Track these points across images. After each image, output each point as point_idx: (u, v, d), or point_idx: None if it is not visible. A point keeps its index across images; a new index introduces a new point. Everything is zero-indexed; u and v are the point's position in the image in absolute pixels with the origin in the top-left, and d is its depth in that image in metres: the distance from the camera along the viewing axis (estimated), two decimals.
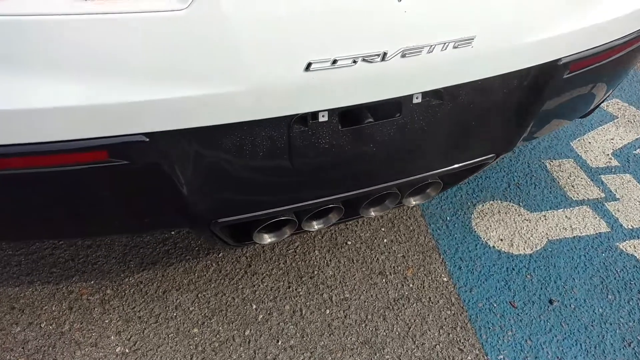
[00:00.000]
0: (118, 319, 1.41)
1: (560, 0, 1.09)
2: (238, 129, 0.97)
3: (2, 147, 0.85)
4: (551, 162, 2.03)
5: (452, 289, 1.55)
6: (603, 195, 1.89)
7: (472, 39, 1.01)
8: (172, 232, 1.67)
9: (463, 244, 1.69)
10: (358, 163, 1.14)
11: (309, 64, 0.91)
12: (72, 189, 0.95)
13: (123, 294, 1.49)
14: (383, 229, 1.72)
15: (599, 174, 1.98)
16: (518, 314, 1.50)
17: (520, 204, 1.85)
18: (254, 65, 0.88)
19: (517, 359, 1.38)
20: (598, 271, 1.62)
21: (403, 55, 0.96)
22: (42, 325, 1.39)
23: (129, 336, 1.38)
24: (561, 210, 1.83)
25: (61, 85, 0.83)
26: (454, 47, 1.00)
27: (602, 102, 1.58)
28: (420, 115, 1.14)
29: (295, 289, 1.53)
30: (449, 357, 1.37)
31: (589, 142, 2.13)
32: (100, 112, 0.86)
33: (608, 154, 2.07)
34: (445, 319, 1.47)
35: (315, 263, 1.60)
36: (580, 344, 1.42)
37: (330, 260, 1.61)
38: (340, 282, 1.55)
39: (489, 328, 1.45)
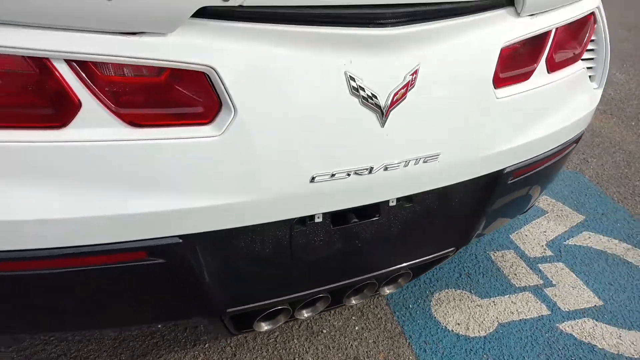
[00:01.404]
0: None
1: (504, 125, 1.37)
2: (252, 230, 1.16)
3: (64, 248, 0.99)
4: (495, 253, 2.28)
5: None
6: (542, 282, 2.15)
7: (438, 155, 1.26)
8: (159, 326, 1.78)
9: (425, 329, 1.88)
10: (345, 257, 1.34)
11: (313, 177, 1.12)
12: (112, 284, 1.09)
13: None
14: (354, 317, 1.89)
15: (537, 263, 2.25)
16: None
17: (472, 291, 2.07)
18: (272, 180, 1.08)
19: None
20: (543, 349, 1.84)
21: (385, 169, 1.20)
22: None
23: None
24: (507, 296, 2.06)
25: (115, 198, 1.00)
26: (424, 162, 1.25)
27: (537, 199, 1.86)
28: (395, 216, 1.36)
29: None
30: None
31: (526, 235, 2.42)
32: (144, 219, 1.03)
33: (542, 245, 2.36)
34: None
35: (295, 350, 1.74)
36: None
37: (309, 348, 1.76)
38: None
39: None
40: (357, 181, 1.18)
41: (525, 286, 2.12)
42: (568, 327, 1.94)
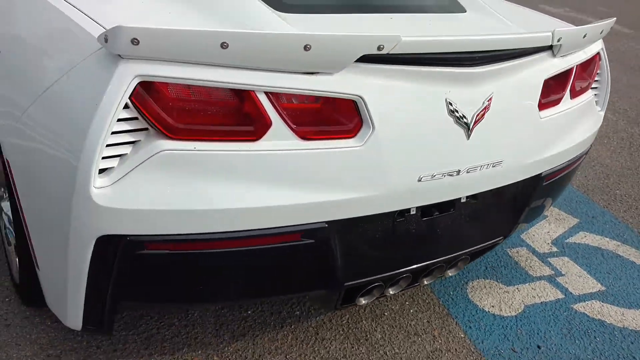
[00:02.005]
0: None
1: (544, 139, 1.78)
2: (369, 219, 1.52)
3: (248, 231, 1.34)
4: (511, 250, 2.69)
5: (469, 342, 2.10)
6: (553, 272, 2.56)
7: (502, 161, 1.66)
8: (249, 312, 2.11)
9: (467, 310, 2.25)
10: (427, 243, 1.71)
11: (420, 178, 1.50)
12: (272, 260, 1.43)
13: (229, 358, 1.89)
14: (407, 302, 2.26)
15: (546, 257, 2.66)
16: (519, 356, 2.06)
17: (498, 280, 2.46)
18: (393, 180, 1.45)
19: None
20: (564, 325, 2.23)
21: (467, 172, 1.58)
22: None
23: None
24: (527, 284, 2.46)
25: (289, 192, 1.35)
26: (493, 167, 1.64)
27: (554, 203, 2.28)
28: (463, 210, 1.74)
29: (358, 348, 2.00)
30: None
31: (533, 235, 2.84)
32: (305, 208, 1.38)
33: (548, 243, 2.78)
34: None
35: (365, 329, 2.09)
36: None
37: (376, 327, 2.11)
38: (388, 342, 2.05)
39: None
40: (446, 181, 1.56)
41: (541, 276, 2.52)
42: (580, 307, 2.35)
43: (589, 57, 1.92)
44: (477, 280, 2.44)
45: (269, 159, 1.32)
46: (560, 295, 2.40)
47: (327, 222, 1.42)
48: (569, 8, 9.17)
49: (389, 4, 1.76)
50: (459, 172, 1.56)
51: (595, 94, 2.13)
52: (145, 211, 1.25)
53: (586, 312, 2.32)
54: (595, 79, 2.11)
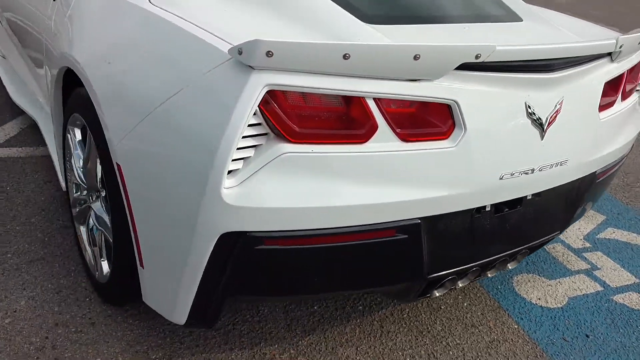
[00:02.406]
0: None
1: (601, 139, 1.91)
2: (455, 214, 1.63)
3: (353, 227, 1.44)
4: (547, 246, 2.82)
5: (523, 332, 2.22)
6: (589, 266, 2.69)
7: (567, 160, 1.78)
8: (315, 307, 2.21)
9: (516, 303, 2.38)
10: (498, 237, 1.83)
11: (502, 176, 1.62)
12: (368, 254, 1.54)
13: (304, 351, 1.99)
14: (460, 297, 2.37)
15: (581, 252, 2.80)
16: (570, 345, 2.18)
17: (540, 274, 2.59)
18: (479, 178, 1.57)
19: None
20: (607, 315, 2.37)
21: (540, 170, 1.71)
22: None
23: None
24: (567, 277, 2.59)
25: (390, 190, 1.46)
26: (560, 165, 1.77)
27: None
28: (528, 207, 1.86)
29: (422, 340, 2.11)
30: None
31: (566, 231, 2.97)
32: (402, 206, 1.49)
33: (581, 239, 2.92)
34: (528, 351, 2.12)
35: (426, 321, 2.21)
36: None
37: (435, 320, 2.22)
38: (449, 333, 2.17)
39: (557, 354, 2.11)
40: (522, 179, 1.68)
41: (579, 270, 2.66)
42: (620, 298, 2.48)
43: (636, 62, 2.06)
44: (521, 274, 2.57)
45: (375, 160, 1.43)
46: (600, 288, 2.54)
47: (420, 219, 1.53)
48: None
49: (458, 15, 1.89)
50: (532, 170, 1.68)
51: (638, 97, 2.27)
52: (266, 209, 1.35)
53: (625, 303, 2.45)
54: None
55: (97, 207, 1.94)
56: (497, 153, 1.58)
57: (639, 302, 2.46)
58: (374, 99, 1.39)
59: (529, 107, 1.60)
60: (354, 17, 1.63)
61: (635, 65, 2.07)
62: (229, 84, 1.30)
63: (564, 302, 2.42)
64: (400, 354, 2.03)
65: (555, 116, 1.67)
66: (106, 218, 1.85)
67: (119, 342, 1.92)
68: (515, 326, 2.24)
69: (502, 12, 2.05)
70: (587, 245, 2.86)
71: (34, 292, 2.10)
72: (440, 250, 1.67)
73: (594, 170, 1.96)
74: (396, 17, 1.74)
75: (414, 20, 1.76)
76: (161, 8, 1.64)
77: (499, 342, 2.15)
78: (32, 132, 3.31)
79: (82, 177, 2.06)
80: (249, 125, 1.31)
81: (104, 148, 1.68)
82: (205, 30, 1.46)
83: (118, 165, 1.60)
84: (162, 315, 1.67)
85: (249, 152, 1.34)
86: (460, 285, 1.93)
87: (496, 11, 2.04)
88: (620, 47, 1.77)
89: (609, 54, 1.84)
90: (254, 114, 1.30)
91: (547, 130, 1.66)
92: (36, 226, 2.46)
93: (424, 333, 2.14)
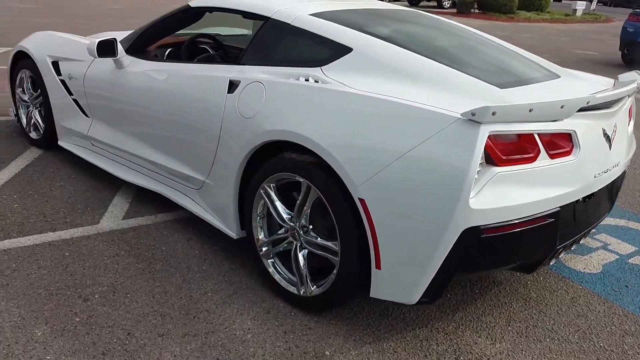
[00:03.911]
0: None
1: (628, 145, 2.91)
2: (572, 203, 2.51)
3: (531, 216, 2.29)
4: None
5: (587, 290, 3.13)
6: (602, 243, 3.70)
7: (620, 162, 2.76)
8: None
9: (572, 273, 3.30)
10: (582, 220, 2.73)
11: (595, 175, 2.55)
12: (537, 234, 2.38)
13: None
14: (537, 276, 3.26)
15: (593, 235, 3.81)
16: (617, 294, 3.13)
17: (575, 254, 3.55)
18: (587, 177, 2.48)
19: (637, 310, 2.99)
20: (632, 272, 3.35)
21: (608, 170, 2.65)
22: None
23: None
24: (593, 253, 3.57)
25: (548, 189, 2.33)
26: (615, 166, 2.73)
27: None
28: (597, 196, 2.80)
29: (530, 304, 2.96)
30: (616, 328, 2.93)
31: None
32: (552, 200, 2.36)
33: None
34: (597, 301, 3.03)
35: (525, 293, 3.06)
36: None
37: (529, 291, 3.09)
38: (542, 298, 3.03)
39: (615, 300, 3.05)
40: (602, 177, 2.62)
41: (597, 247, 3.65)
42: (633, 260, 3.49)
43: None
44: (563, 255, 3.52)
45: (538, 171, 2.29)
46: (616, 256, 3.54)
47: (560, 207, 2.41)
48: None
49: (532, 77, 2.83)
50: (607, 170, 2.62)
51: None
52: (489, 209, 2.16)
53: (637, 263, 3.46)
54: None
55: (308, 239, 2.63)
56: (593, 160, 2.50)
57: None
58: (537, 134, 2.27)
59: (604, 130, 2.55)
60: (493, 86, 2.52)
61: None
62: (464, 134, 2.12)
63: (600, 269, 3.38)
64: (520, 314, 2.87)
65: (614, 134, 2.64)
66: (330, 244, 2.54)
67: (335, 337, 2.60)
68: (580, 287, 3.16)
69: (549, 72, 3.03)
70: (593, 230, 3.88)
71: (250, 315, 2.71)
72: (562, 228, 2.54)
73: (624, 169, 2.96)
74: (505, 83, 2.64)
75: (514, 85, 2.67)
76: (365, 91, 2.42)
77: (577, 297, 3.05)
78: (139, 204, 3.84)
79: (287, 220, 2.72)
80: None
81: (334, 192, 2.40)
82: (416, 102, 2.27)
83: (361, 199, 2.33)
84: (392, 301, 2.39)
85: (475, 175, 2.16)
86: (560, 257, 2.81)
87: (546, 72, 3.02)
88: (638, 86, 2.80)
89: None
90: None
91: (612, 144, 2.62)
92: (210, 272, 3.05)
93: (529, 302, 3.00)
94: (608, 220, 4.05)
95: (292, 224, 2.70)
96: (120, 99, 3.60)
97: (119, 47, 3.52)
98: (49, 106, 4.31)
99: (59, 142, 4.35)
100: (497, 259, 2.35)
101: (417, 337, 2.63)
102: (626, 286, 3.20)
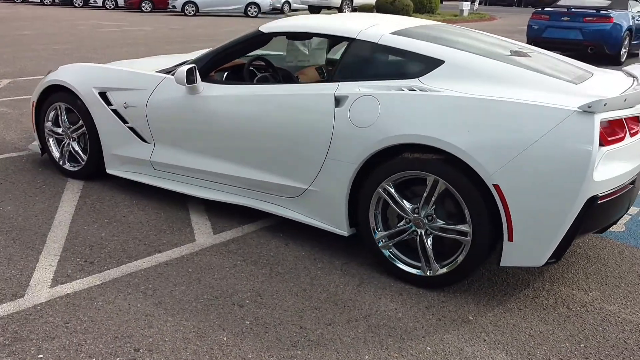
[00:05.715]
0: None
1: None
2: (633, 180, 3.16)
3: (619, 185, 2.90)
4: None
5: (619, 243, 3.83)
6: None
7: None
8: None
9: (608, 234, 3.99)
10: (623, 203, 3.37)
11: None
12: (622, 201, 2.99)
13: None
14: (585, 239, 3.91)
15: None
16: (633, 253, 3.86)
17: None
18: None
19: None
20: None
21: None
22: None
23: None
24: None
25: (627, 164, 2.95)
26: None
27: None
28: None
29: (590, 264, 3.60)
30: None
31: None
32: (629, 173, 2.99)
33: None
34: (629, 249, 3.73)
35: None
36: None
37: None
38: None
39: None
40: None
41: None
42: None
43: None
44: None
45: (623, 148, 2.90)
46: (629, 216, 4.30)
47: (636, 175, 3.04)
48: None
49: (581, 75, 3.44)
50: None
51: None
52: (604, 180, 2.74)
53: None
54: None
55: (434, 226, 3.08)
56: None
57: None
58: (624, 119, 2.88)
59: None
60: (570, 83, 3.10)
61: None
62: (583, 123, 2.67)
63: (624, 228, 4.11)
64: (594, 269, 3.49)
65: None
66: (461, 227, 2.99)
67: (470, 304, 3.07)
68: (619, 242, 3.85)
69: (585, 70, 3.67)
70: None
71: (388, 297, 3.10)
72: (627, 198, 3.17)
73: None
74: (573, 80, 3.23)
75: (578, 81, 3.27)
76: (482, 95, 2.92)
77: (622, 250, 3.73)
78: (218, 219, 4.05)
79: (410, 212, 3.14)
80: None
81: (464, 182, 2.87)
82: (531, 101, 2.80)
83: (495, 185, 2.82)
84: (522, 266, 2.91)
85: None
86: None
87: (585, 70, 3.65)
88: None
89: None
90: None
91: None
92: (329, 269, 3.39)
93: (590, 259, 3.63)
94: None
95: (415, 215, 3.13)
96: (198, 122, 3.83)
97: (197, 73, 3.76)
98: (94, 136, 4.40)
99: (108, 170, 4.45)
100: (603, 220, 2.94)
101: (528, 296, 3.16)
102: None
